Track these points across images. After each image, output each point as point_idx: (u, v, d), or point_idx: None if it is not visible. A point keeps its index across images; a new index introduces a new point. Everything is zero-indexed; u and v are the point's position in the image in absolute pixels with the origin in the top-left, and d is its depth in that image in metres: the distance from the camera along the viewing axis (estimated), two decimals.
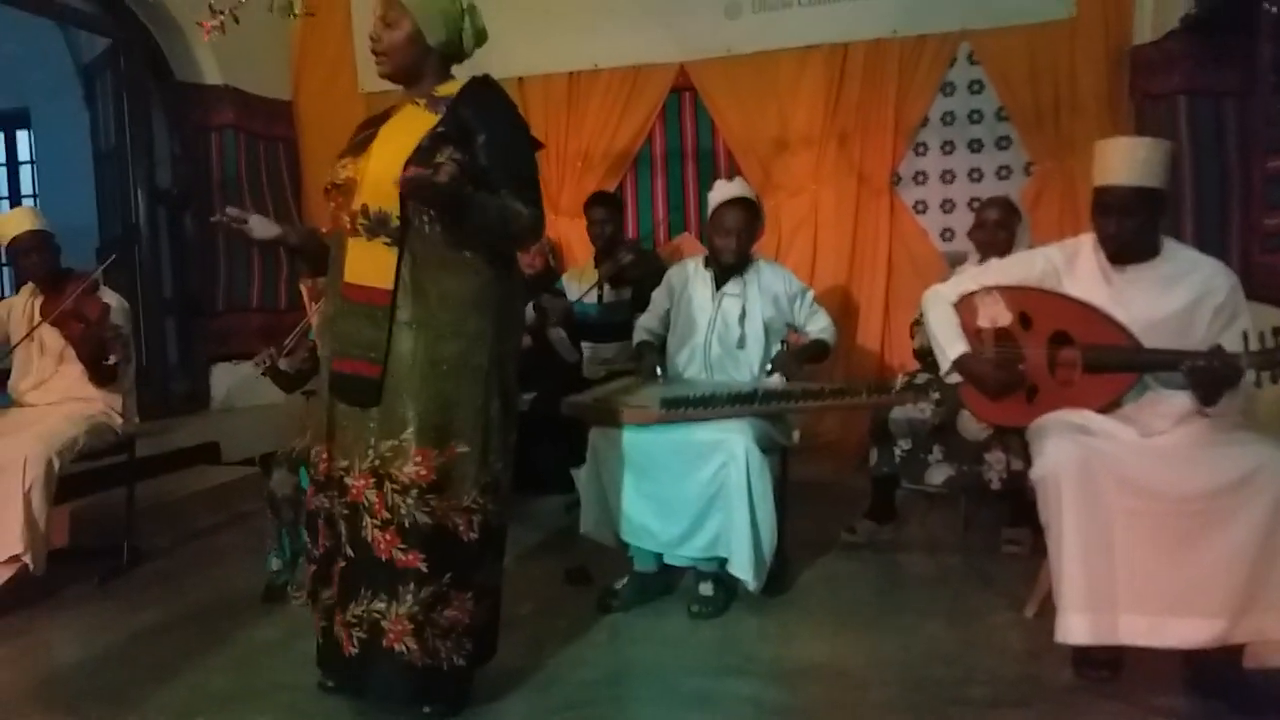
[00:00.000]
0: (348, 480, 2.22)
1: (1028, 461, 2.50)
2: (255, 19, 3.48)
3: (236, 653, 2.76)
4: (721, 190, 3.37)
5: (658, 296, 3.57)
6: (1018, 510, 3.31)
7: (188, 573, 3.57)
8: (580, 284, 4.48)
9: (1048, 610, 2.39)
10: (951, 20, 4.70)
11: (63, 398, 3.52)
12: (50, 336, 3.51)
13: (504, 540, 2.36)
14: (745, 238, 3.33)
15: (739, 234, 3.30)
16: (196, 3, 3.42)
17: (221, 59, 5.13)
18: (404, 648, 2.17)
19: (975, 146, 4.82)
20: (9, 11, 4.56)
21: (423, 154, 2.14)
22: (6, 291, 7.78)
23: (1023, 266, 2.69)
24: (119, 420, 3.58)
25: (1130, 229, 2.43)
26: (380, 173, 2.18)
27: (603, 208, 4.51)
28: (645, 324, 3.57)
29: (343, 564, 2.23)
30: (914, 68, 4.76)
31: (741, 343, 3.33)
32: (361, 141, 2.29)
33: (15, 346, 3.52)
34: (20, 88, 7.42)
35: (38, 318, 3.49)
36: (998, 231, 3.49)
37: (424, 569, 2.17)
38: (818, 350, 3.42)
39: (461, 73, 2.39)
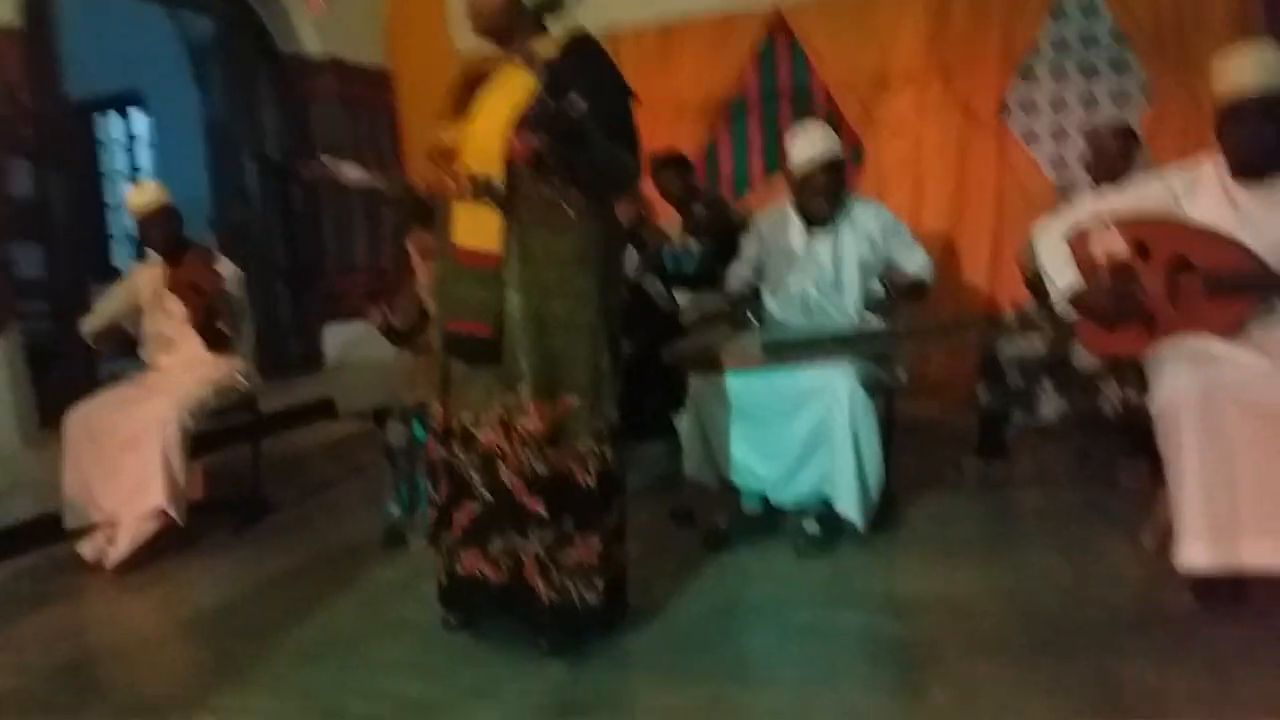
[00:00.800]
0: (475, 432, 2.33)
1: (1144, 392, 2.41)
2: None
3: (362, 594, 2.89)
4: (804, 148, 3.22)
5: (748, 245, 3.54)
6: (1135, 442, 3.19)
7: (312, 522, 3.76)
8: (673, 237, 4.47)
9: (1167, 541, 2.31)
10: None
11: (191, 362, 3.71)
12: (175, 304, 3.70)
13: (623, 484, 2.42)
14: (835, 196, 3.26)
15: (828, 195, 3.23)
16: None
17: (321, 30, 5.26)
18: (537, 583, 2.31)
19: (1089, 72, 4.60)
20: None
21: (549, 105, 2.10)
22: (129, 260, 8.20)
23: (1138, 194, 2.59)
24: (243, 381, 3.76)
25: (1265, 140, 2.31)
26: (483, 136, 2.20)
27: (667, 171, 4.46)
28: (738, 273, 3.54)
29: (480, 509, 2.35)
30: None
31: (838, 286, 3.28)
32: (462, 105, 2.31)
33: (143, 312, 3.71)
34: (133, 70, 7.74)
35: (163, 285, 3.69)
36: (1115, 160, 3.35)
37: (545, 514, 2.27)
38: (915, 288, 3.32)
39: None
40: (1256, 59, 2.33)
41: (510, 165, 2.18)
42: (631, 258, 4.24)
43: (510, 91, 2.22)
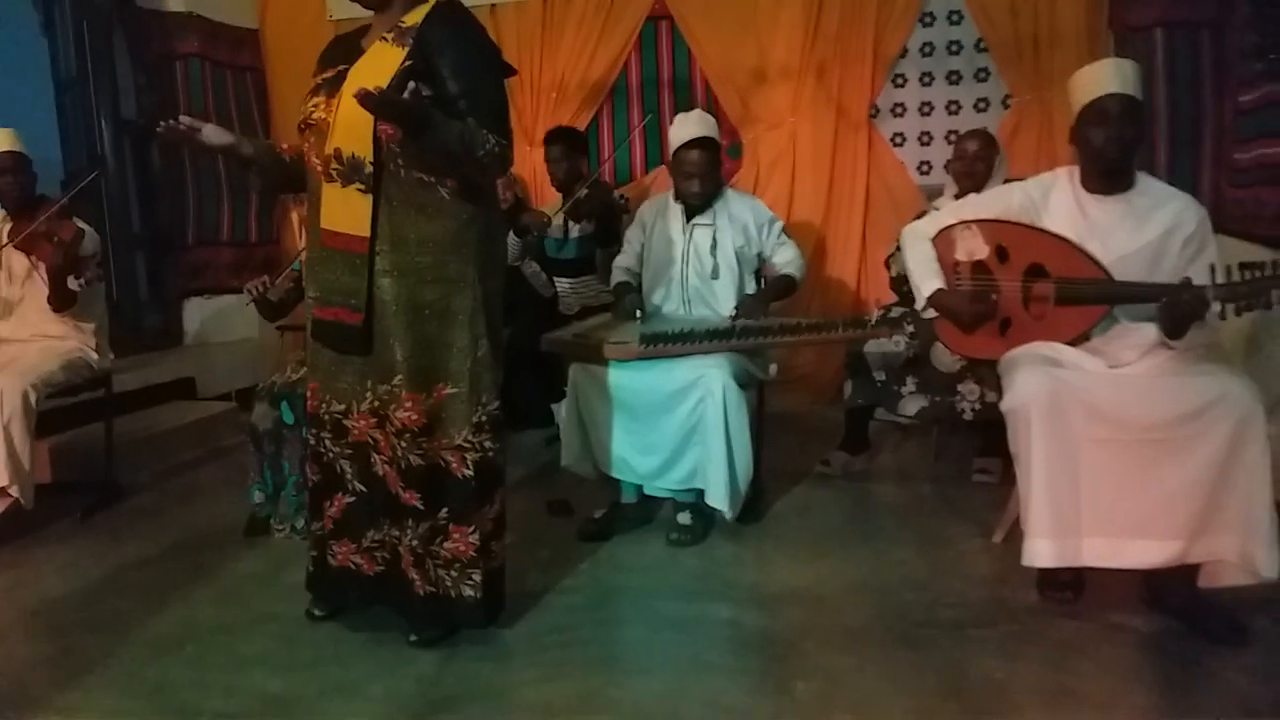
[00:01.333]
0: (347, 422, 2.28)
1: (999, 393, 2.55)
2: None
3: (223, 584, 2.80)
4: (681, 129, 3.31)
5: (631, 235, 3.57)
6: (988, 440, 3.39)
7: (170, 507, 3.60)
8: (549, 219, 4.45)
9: (1015, 536, 2.47)
10: None
11: (34, 333, 3.49)
12: (18, 261, 3.48)
13: (503, 476, 2.39)
14: (709, 177, 3.32)
15: (701, 176, 3.29)
16: None
17: None
18: (412, 576, 2.30)
19: (954, 78, 4.80)
20: None
21: (395, 91, 2.03)
22: None
23: (1000, 200, 2.72)
24: (94, 356, 3.57)
25: (1126, 139, 2.45)
26: (355, 118, 2.07)
27: (558, 145, 4.42)
28: (622, 263, 3.57)
29: (351, 499, 2.32)
30: None
31: (715, 273, 3.35)
32: (332, 80, 2.21)
33: None
34: None
35: (5, 242, 3.45)
36: (975, 164, 3.52)
37: (420, 506, 2.26)
38: (783, 287, 3.43)
39: None
40: (1115, 69, 2.49)
41: (379, 146, 2.11)
42: (511, 242, 4.21)
43: (381, 67, 2.10)
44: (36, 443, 3.27)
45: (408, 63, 2.10)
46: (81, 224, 3.54)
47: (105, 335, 3.67)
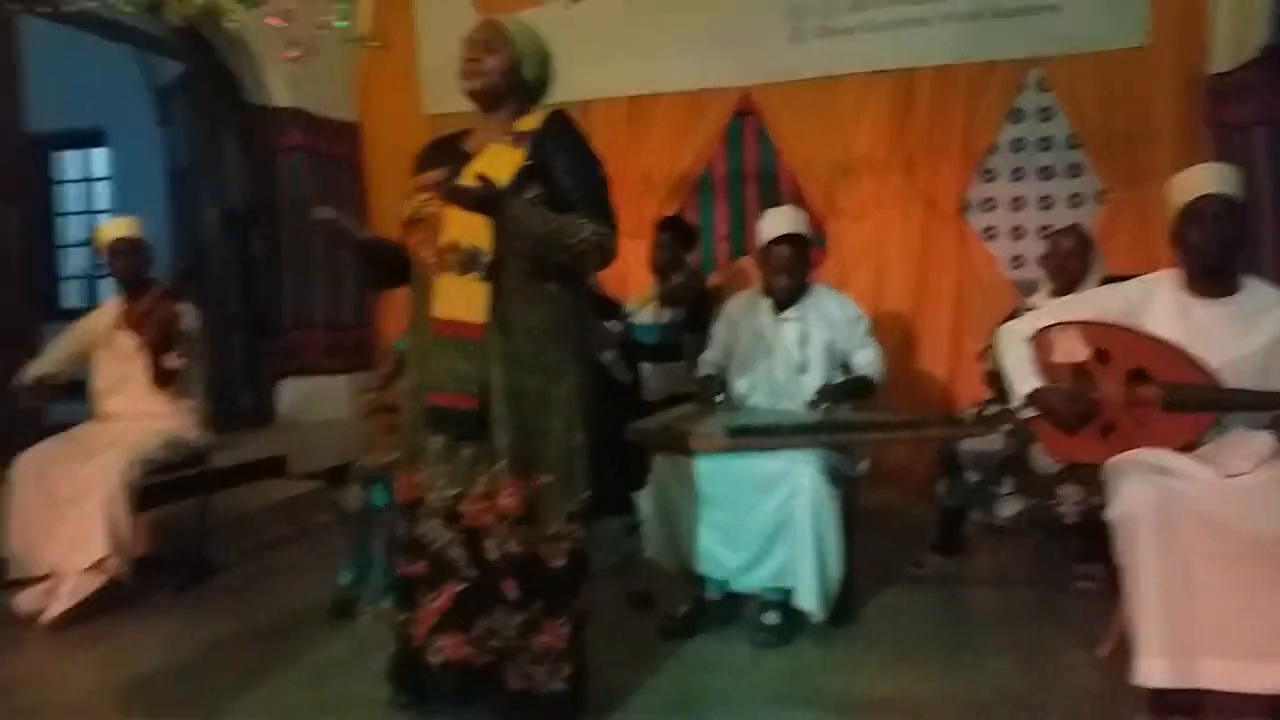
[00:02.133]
0: (461, 507, 2.27)
1: (1103, 496, 2.46)
2: (326, 45, 3.57)
3: (309, 666, 2.81)
4: (770, 225, 3.33)
5: (718, 330, 3.58)
6: (1091, 546, 3.24)
7: (258, 585, 3.66)
8: (643, 310, 4.50)
9: (1122, 650, 2.35)
10: (1021, 47, 4.67)
11: (139, 411, 3.63)
12: (126, 341, 3.65)
13: (589, 566, 2.38)
14: (797, 272, 3.32)
15: (791, 270, 3.30)
16: (269, 30, 3.51)
17: (291, 82, 5.26)
18: (504, 669, 2.27)
19: (1046, 174, 4.78)
20: (87, 36, 4.72)
21: (516, 190, 2.19)
22: (80, 302, 8.03)
23: (1100, 301, 2.67)
24: (193, 433, 3.69)
25: (1225, 238, 2.40)
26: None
27: (667, 232, 4.52)
28: (708, 357, 3.57)
29: (463, 586, 2.29)
30: (982, 94, 4.74)
31: (804, 368, 3.31)
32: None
33: (94, 348, 3.65)
34: (97, 108, 7.66)
35: (118, 321, 3.65)
36: (1070, 260, 3.47)
37: (518, 596, 2.24)
38: (859, 387, 3.32)
39: None
40: (1212, 170, 2.47)
41: (498, 239, 2.20)
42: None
43: (499, 168, 2.23)
44: (135, 517, 3.37)
45: (529, 162, 2.23)
46: (184, 305, 3.71)
47: (203, 413, 3.80)
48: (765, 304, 3.42)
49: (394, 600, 2.47)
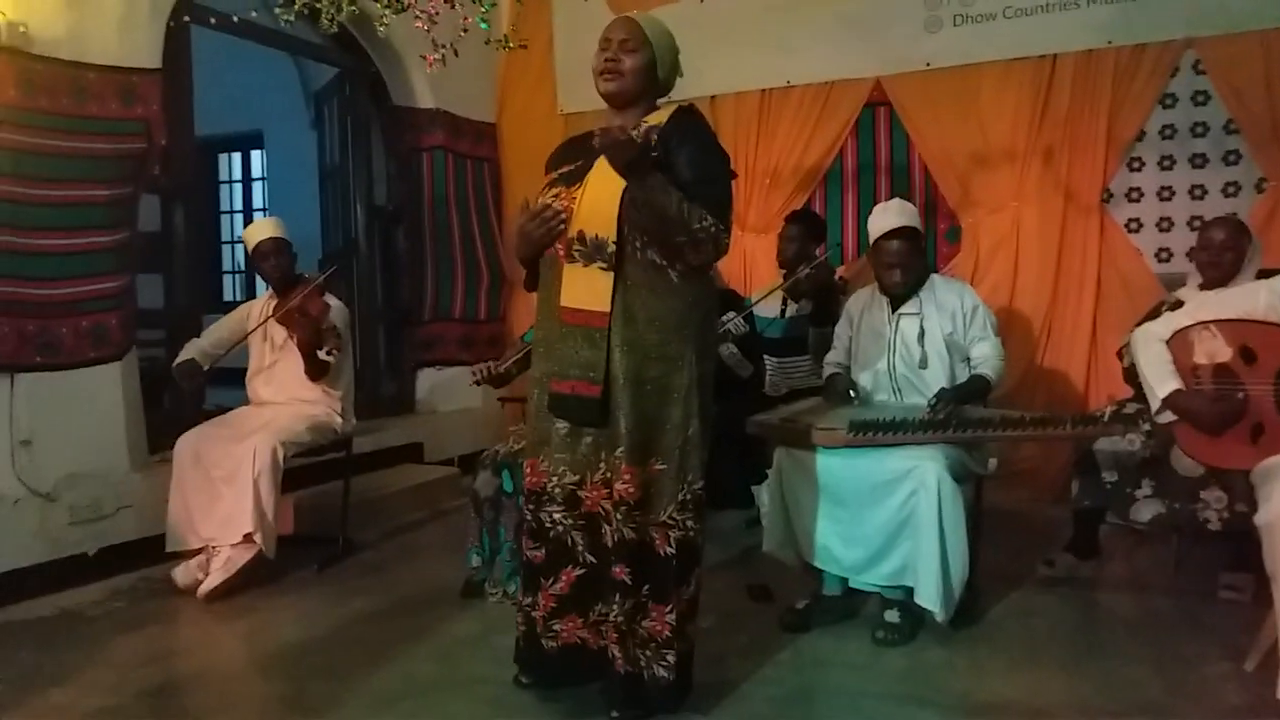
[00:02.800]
0: (581, 493, 2.36)
1: (1252, 504, 2.33)
2: (466, 48, 3.71)
3: (439, 644, 2.94)
4: (880, 220, 3.27)
5: (840, 329, 3.54)
6: (1238, 553, 3.07)
7: (394, 565, 3.84)
8: (766, 299, 4.49)
9: (1271, 664, 2.22)
10: (1174, 28, 4.41)
11: (290, 397, 3.85)
12: (278, 332, 3.88)
13: (700, 556, 2.41)
14: (910, 266, 3.25)
15: (902, 266, 3.23)
16: (416, 34, 3.67)
17: (434, 84, 5.46)
18: (614, 653, 2.32)
19: (1198, 161, 4.50)
20: (248, 44, 5.03)
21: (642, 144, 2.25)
22: (239, 294, 8.59)
23: (1244, 299, 2.54)
24: (339, 420, 3.90)
25: None
26: (600, 202, 2.27)
27: (796, 225, 4.50)
28: (832, 358, 3.54)
29: (582, 571, 2.37)
30: (1130, 79, 4.50)
31: (924, 363, 3.24)
32: (573, 173, 2.38)
33: (247, 337, 3.90)
34: (256, 112, 8.18)
35: (270, 315, 3.87)
36: (1223, 254, 3.25)
37: (628, 581, 2.29)
38: (976, 388, 3.21)
39: None
40: None
41: (623, 230, 2.26)
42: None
43: None
44: (282, 497, 3.60)
45: (653, 154, 2.28)
46: (333, 300, 3.91)
47: (350, 401, 4.01)
48: (881, 300, 3.37)
49: (520, 584, 2.56)
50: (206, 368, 3.84)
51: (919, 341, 3.25)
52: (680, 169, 2.29)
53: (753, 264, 5.31)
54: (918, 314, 3.28)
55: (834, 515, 2.94)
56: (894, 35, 4.97)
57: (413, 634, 3.01)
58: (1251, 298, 2.51)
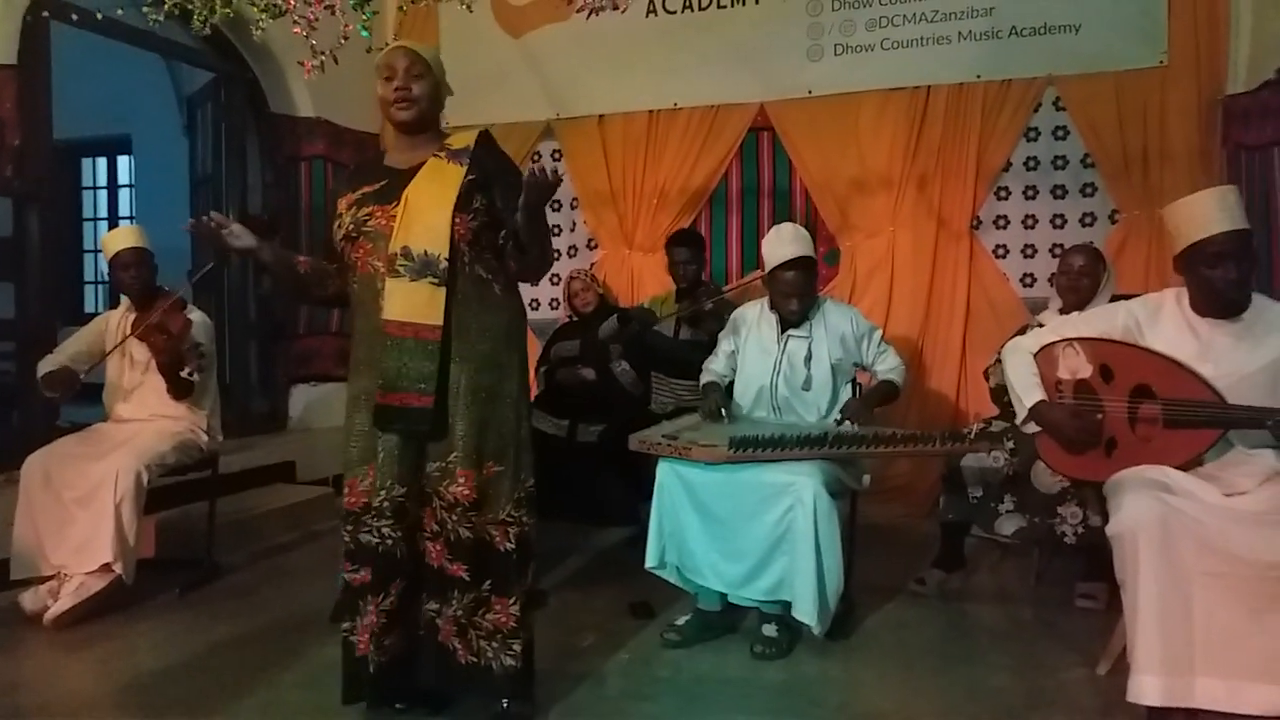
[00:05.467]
0: (408, 504, 2.37)
1: (1104, 516, 2.45)
2: (348, 56, 3.62)
3: (307, 670, 2.82)
4: (777, 249, 3.29)
5: (724, 339, 3.58)
6: (1092, 564, 3.23)
7: (263, 588, 3.68)
8: (661, 310, 4.50)
9: (1121, 668, 2.33)
10: (1037, 66, 4.66)
11: (152, 414, 3.65)
12: (138, 350, 3.67)
13: (534, 549, 2.48)
14: (807, 295, 3.33)
15: (799, 295, 3.30)
16: (296, 40, 3.57)
17: (315, 92, 5.34)
18: (452, 645, 2.39)
19: (1059, 192, 4.75)
20: (115, 44, 4.80)
21: (464, 200, 2.33)
22: (101, 306, 8.16)
23: (1104, 319, 2.66)
24: (204, 437, 3.71)
25: (1246, 273, 2.40)
26: (429, 218, 2.31)
27: (687, 248, 4.50)
28: (712, 366, 3.58)
29: (405, 583, 2.39)
30: (997, 112, 4.72)
31: (808, 384, 3.32)
32: (383, 191, 2.38)
33: (105, 356, 3.67)
34: (124, 115, 7.81)
35: (128, 332, 3.65)
36: (1081, 279, 3.44)
37: (466, 578, 2.37)
38: (887, 392, 3.38)
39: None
40: (1220, 203, 2.42)
41: (454, 245, 2.32)
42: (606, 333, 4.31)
43: (445, 180, 2.36)
44: (143, 518, 3.40)
45: (470, 177, 2.37)
46: (195, 314, 3.72)
47: (218, 418, 3.82)
48: (771, 318, 3.42)
49: (342, 610, 2.48)
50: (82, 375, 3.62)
51: (805, 364, 3.32)
52: (502, 198, 2.39)
53: (640, 282, 5.34)
54: (807, 337, 3.34)
55: (713, 531, 2.96)
56: (778, 62, 5.10)
57: (279, 660, 2.88)
58: (1111, 317, 2.63)
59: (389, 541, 2.35)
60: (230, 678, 2.76)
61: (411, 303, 2.31)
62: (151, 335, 3.57)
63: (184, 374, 3.55)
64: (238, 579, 3.79)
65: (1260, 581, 2.16)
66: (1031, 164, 4.79)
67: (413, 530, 2.39)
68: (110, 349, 3.67)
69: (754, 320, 3.49)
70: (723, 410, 3.30)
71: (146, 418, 3.65)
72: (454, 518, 2.35)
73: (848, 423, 3.19)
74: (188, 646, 3.04)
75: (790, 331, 3.37)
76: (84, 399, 3.91)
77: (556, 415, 4.45)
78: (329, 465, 5.09)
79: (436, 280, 2.31)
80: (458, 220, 2.32)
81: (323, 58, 3.45)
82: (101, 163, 8.78)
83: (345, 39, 3.57)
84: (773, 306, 3.42)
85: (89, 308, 8.49)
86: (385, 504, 2.35)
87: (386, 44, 3.82)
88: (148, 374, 3.67)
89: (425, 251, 2.30)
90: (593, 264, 5.45)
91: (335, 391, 5.40)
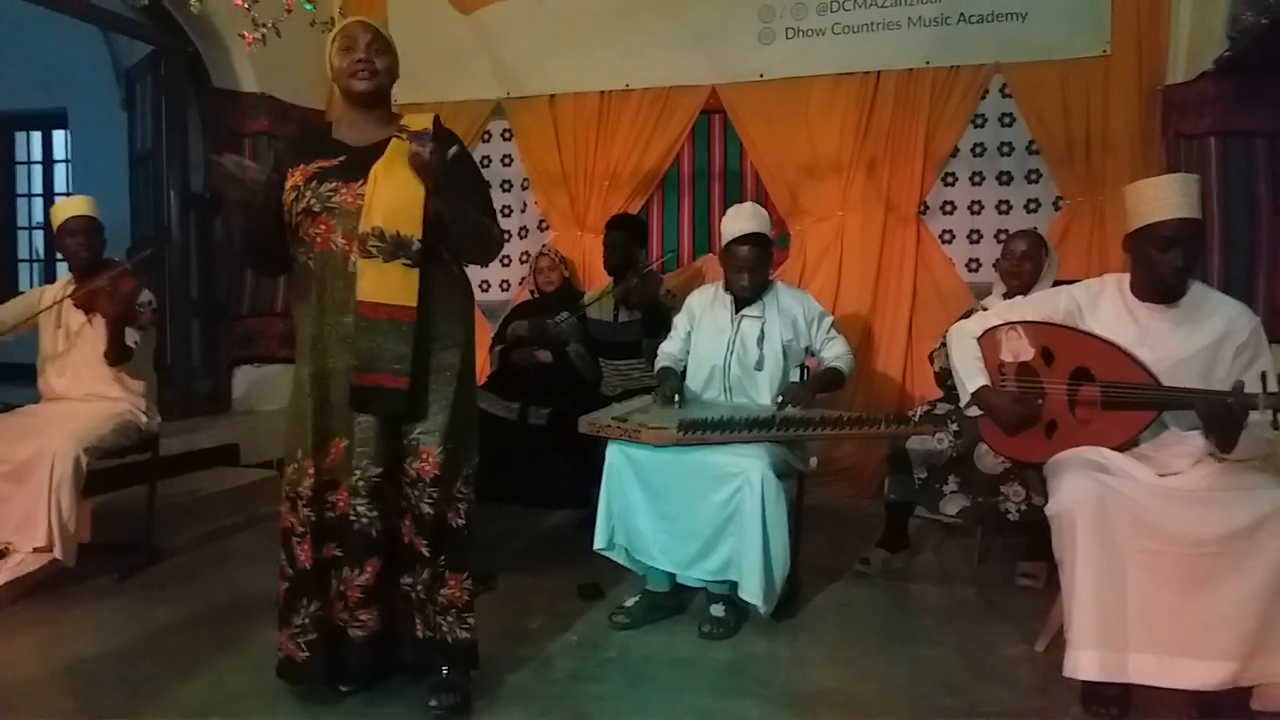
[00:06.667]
0: (384, 485, 2.39)
1: (1045, 496, 2.50)
2: (295, 31, 3.55)
3: (252, 653, 2.78)
4: (734, 224, 3.34)
5: (679, 322, 3.59)
6: (1033, 544, 3.30)
7: (205, 572, 3.62)
8: (600, 302, 4.52)
9: (1059, 645, 2.39)
10: (985, 53, 4.71)
11: (88, 392, 3.57)
12: (74, 318, 3.59)
13: (475, 525, 2.51)
14: (759, 271, 3.36)
15: (752, 270, 3.33)
16: (238, 13, 3.48)
17: (259, 68, 5.21)
18: (415, 618, 2.44)
19: (1004, 179, 4.82)
20: (51, 15, 4.65)
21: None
22: (37, 283, 7.93)
23: (1047, 303, 2.71)
24: (143, 418, 3.63)
25: (1188, 263, 2.45)
26: (402, 199, 2.29)
27: (619, 231, 4.54)
28: (667, 349, 3.59)
29: (383, 561, 2.41)
30: (945, 98, 4.77)
31: (760, 365, 3.35)
32: (345, 167, 2.34)
33: (39, 314, 3.60)
34: (60, 89, 7.57)
35: (62, 298, 3.57)
36: (1024, 263, 3.50)
37: (426, 553, 2.40)
38: (831, 379, 3.41)
39: None
40: (1182, 189, 2.46)
41: (427, 227, 2.31)
42: (566, 322, 4.30)
43: (404, 161, 2.31)
44: (82, 502, 3.34)
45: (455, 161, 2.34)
46: (141, 288, 3.63)
47: (154, 396, 3.74)
48: (725, 299, 3.44)
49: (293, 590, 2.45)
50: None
51: (758, 344, 3.34)
52: (459, 179, 2.38)
53: (592, 264, 5.31)
54: (760, 317, 3.37)
55: (662, 512, 2.98)
56: (730, 45, 5.09)
57: (223, 643, 2.84)
58: (1054, 301, 2.68)
59: (364, 520, 2.36)
60: (172, 662, 2.71)
61: (385, 284, 2.30)
62: (97, 299, 3.49)
63: (129, 335, 3.48)
64: (179, 563, 3.72)
65: (1191, 558, 2.22)
66: (978, 150, 4.85)
67: (392, 509, 2.41)
68: (43, 309, 3.59)
69: (708, 302, 3.51)
70: (677, 396, 3.31)
71: (82, 396, 3.57)
72: (416, 493, 2.37)
73: (789, 406, 3.22)
74: (128, 631, 2.98)
75: (744, 312, 3.39)
76: (17, 380, 3.80)
77: (507, 398, 4.43)
78: (273, 447, 5.01)
79: (410, 262, 2.30)
80: (426, 202, 2.30)
81: (265, 30, 3.37)
82: (36, 137, 8.51)
83: (289, 10, 3.49)
84: (727, 287, 3.44)
85: (23, 285, 8.24)
86: (360, 484, 2.36)
87: (332, 19, 3.81)
88: (81, 342, 3.58)
89: (399, 233, 2.28)
90: (544, 245, 5.42)
91: (280, 373, 5.32)
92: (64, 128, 8.16)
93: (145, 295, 3.60)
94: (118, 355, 3.51)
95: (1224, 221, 4.05)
